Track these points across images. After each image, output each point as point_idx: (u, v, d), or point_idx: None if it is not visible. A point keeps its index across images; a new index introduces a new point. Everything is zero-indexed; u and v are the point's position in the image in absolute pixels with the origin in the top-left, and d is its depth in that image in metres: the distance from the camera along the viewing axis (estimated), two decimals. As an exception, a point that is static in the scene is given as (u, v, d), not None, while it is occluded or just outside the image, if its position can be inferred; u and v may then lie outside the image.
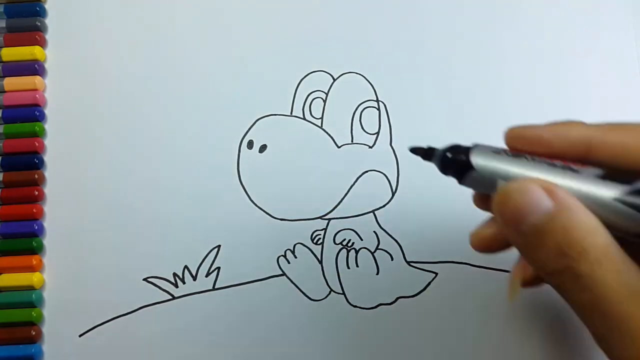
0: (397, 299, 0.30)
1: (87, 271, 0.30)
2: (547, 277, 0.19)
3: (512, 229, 0.19)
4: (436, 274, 0.30)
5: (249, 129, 0.31)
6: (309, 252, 0.30)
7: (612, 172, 0.18)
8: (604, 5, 0.32)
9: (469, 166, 0.20)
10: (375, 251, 0.30)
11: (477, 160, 0.20)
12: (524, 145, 0.21)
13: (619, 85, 0.31)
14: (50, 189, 0.31)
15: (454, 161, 0.21)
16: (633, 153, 0.19)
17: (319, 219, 0.30)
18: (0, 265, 0.30)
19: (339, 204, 0.30)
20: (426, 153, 0.23)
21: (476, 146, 0.21)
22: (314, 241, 0.30)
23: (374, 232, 0.30)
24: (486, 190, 0.20)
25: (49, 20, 0.33)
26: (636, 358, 0.18)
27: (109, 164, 0.31)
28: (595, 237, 0.18)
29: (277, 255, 0.30)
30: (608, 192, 0.18)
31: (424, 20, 0.32)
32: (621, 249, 0.18)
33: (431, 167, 0.30)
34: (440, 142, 0.31)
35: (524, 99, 0.31)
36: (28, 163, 0.31)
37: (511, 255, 0.30)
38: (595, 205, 0.18)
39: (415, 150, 0.23)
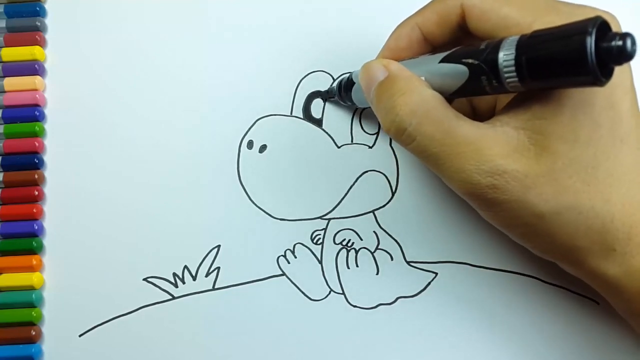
0: (397, 299, 0.30)
1: (87, 271, 0.30)
2: (390, 135, 0.23)
3: (368, 99, 0.25)
4: (436, 274, 0.30)
5: (249, 129, 0.31)
6: (309, 252, 0.30)
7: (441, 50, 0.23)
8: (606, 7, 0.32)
9: (352, 83, 0.28)
10: (375, 251, 0.30)
11: (355, 79, 0.27)
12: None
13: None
14: (50, 189, 0.31)
15: (343, 84, 0.29)
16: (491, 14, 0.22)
17: (319, 219, 0.30)
18: (0, 265, 0.30)
19: (339, 204, 0.30)
20: (327, 92, 0.31)
21: (354, 71, 0.28)
22: (314, 241, 0.30)
23: (374, 232, 0.30)
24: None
25: (49, 20, 0.33)
26: (457, 188, 0.22)
27: (109, 164, 0.31)
28: (410, 96, 0.22)
29: (277, 255, 0.30)
30: (435, 58, 0.22)
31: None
32: (443, 105, 0.22)
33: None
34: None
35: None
36: (28, 163, 0.31)
37: (510, 256, 0.30)
38: (426, 73, 0.23)
39: (322, 96, 0.31)
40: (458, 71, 0.21)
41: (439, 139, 0.21)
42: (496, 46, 0.20)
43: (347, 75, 0.29)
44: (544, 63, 0.18)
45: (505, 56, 0.19)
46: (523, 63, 0.19)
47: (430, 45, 0.25)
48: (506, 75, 0.19)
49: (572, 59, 0.17)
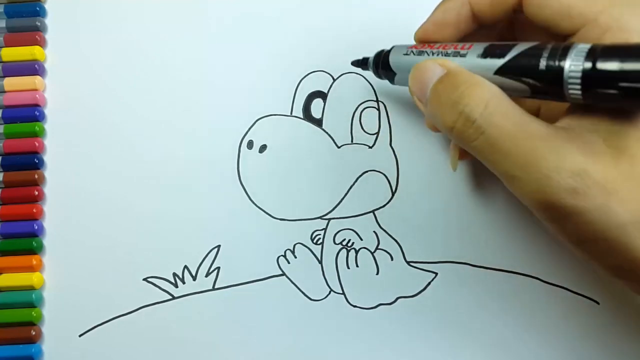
0: (397, 299, 0.30)
1: (87, 271, 0.30)
2: (451, 134, 0.22)
3: (421, 98, 0.24)
4: (436, 274, 0.30)
5: (249, 129, 0.31)
6: (309, 252, 0.30)
7: (492, 48, 0.21)
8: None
9: (389, 66, 0.26)
10: (375, 251, 0.30)
11: (393, 60, 0.26)
12: (430, 37, 0.25)
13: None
14: (50, 189, 0.31)
15: (379, 61, 0.27)
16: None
17: (319, 219, 0.30)
18: (0, 265, 0.30)
19: (339, 204, 0.30)
20: (363, 62, 0.29)
21: (393, 47, 0.27)
22: (314, 241, 0.30)
23: (374, 232, 0.30)
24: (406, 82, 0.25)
25: (49, 20, 0.33)
26: (530, 193, 0.20)
27: (109, 164, 0.31)
28: (481, 87, 0.20)
29: (277, 255, 0.30)
30: (489, 67, 0.21)
31: (424, 19, 0.32)
32: (508, 98, 0.20)
33: (431, 167, 0.30)
34: (439, 143, 0.31)
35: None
36: (28, 163, 0.31)
37: (510, 256, 0.30)
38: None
39: (355, 63, 0.30)
40: (517, 87, 0.20)
41: (512, 132, 0.19)
42: (559, 67, 0.18)
43: (383, 52, 0.27)
44: (614, 92, 0.17)
45: (572, 80, 0.18)
46: (592, 88, 0.18)
47: (478, 24, 0.24)
48: (572, 95, 0.18)
49: None
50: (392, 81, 0.27)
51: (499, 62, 0.21)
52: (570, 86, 0.18)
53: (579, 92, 0.18)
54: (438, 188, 0.30)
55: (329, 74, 0.31)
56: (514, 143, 0.19)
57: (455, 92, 0.21)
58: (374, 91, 0.31)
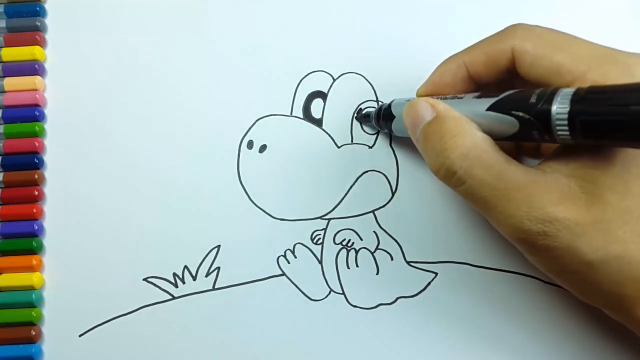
0: (397, 299, 0.30)
1: (87, 271, 0.30)
2: (436, 177, 0.23)
3: (413, 137, 0.25)
4: (436, 274, 0.30)
5: (249, 129, 0.31)
6: (309, 252, 0.30)
7: (486, 92, 0.23)
8: (606, 7, 0.32)
9: (392, 115, 0.27)
10: (375, 251, 0.30)
11: (395, 110, 0.27)
12: (430, 95, 0.26)
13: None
14: (50, 189, 0.31)
15: (382, 113, 0.28)
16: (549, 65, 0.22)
17: (319, 219, 0.30)
18: (0, 265, 0.30)
19: (339, 204, 0.30)
20: (364, 116, 0.31)
21: (393, 100, 0.28)
22: (314, 241, 0.30)
23: (374, 232, 0.30)
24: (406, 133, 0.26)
25: (49, 20, 0.33)
26: (505, 232, 0.22)
27: (109, 164, 0.31)
28: (462, 138, 0.22)
29: (277, 255, 0.30)
30: (482, 105, 0.22)
31: (424, 20, 0.32)
32: (493, 148, 0.21)
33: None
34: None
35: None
36: (28, 163, 0.31)
37: (510, 256, 0.30)
38: (474, 117, 0.22)
39: (359, 118, 0.31)
40: (507, 122, 0.21)
41: (489, 183, 0.21)
42: (548, 100, 0.19)
43: (386, 104, 0.28)
44: (599, 126, 0.18)
45: (559, 115, 0.19)
46: (577, 123, 0.18)
47: (475, 84, 0.25)
48: (559, 131, 0.19)
49: (632, 126, 0.17)
50: (391, 130, 0.28)
51: (491, 100, 0.22)
52: (557, 121, 0.19)
53: (566, 127, 0.19)
54: (438, 188, 0.30)
55: (329, 74, 0.31)
56: (491, 193, 0.21)
57: (439, 143, 0.22)
58: (374, 91, 0.31)
